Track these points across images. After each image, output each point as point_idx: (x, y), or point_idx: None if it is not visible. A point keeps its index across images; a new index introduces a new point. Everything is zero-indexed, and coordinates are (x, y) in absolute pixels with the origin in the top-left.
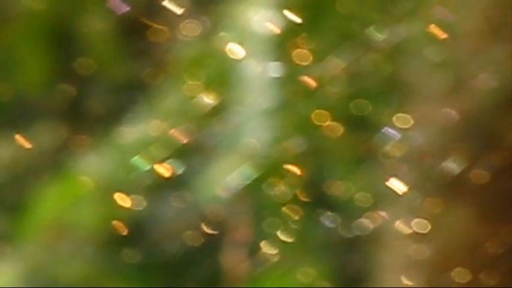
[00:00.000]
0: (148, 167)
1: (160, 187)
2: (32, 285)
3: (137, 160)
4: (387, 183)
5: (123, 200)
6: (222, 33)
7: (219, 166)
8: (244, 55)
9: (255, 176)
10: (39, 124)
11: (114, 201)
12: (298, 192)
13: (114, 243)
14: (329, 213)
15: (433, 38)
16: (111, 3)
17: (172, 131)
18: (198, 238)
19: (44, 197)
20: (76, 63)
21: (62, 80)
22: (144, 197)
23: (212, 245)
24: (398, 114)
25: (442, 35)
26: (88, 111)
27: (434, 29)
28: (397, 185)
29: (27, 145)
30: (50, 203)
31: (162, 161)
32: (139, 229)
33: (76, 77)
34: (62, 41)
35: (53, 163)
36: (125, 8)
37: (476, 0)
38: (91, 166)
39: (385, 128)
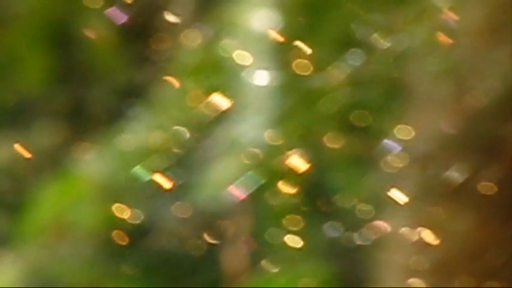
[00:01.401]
0: (149, 176)
1: (161, 192)
2: (32, 285)
3: (138, 169)
4: (389, 194)
5: (121, 210)
6: (223, 41)
7: (221, 173)
8: (245, 63)
9: (256, 184)
10: (39, 125)
11: (113, 203)
12: (299, 200)
13: (114, 243)
14: (332, 222)
15: (435, 46)
16: (110, 13)
17: (172, 137)
18: (199, 244)
19: (44, 197)
20: (77, 65)
21: (63, 81)
22: (145, 201)
23: (214, 251)
24: (401, 124)
25: (445, 43)
26: (88, 113)
27: (436, 37)
28: (398, 196)
29: (26, 154)
30: (50, 203)
31: (163, 168)
32: (139, 230)
33: (76, 79)
34: (62, 42)
35: (53, 163)
36: (124, 18)
37: (477, 3)
38: (91, 167)
39: (387, 137)
